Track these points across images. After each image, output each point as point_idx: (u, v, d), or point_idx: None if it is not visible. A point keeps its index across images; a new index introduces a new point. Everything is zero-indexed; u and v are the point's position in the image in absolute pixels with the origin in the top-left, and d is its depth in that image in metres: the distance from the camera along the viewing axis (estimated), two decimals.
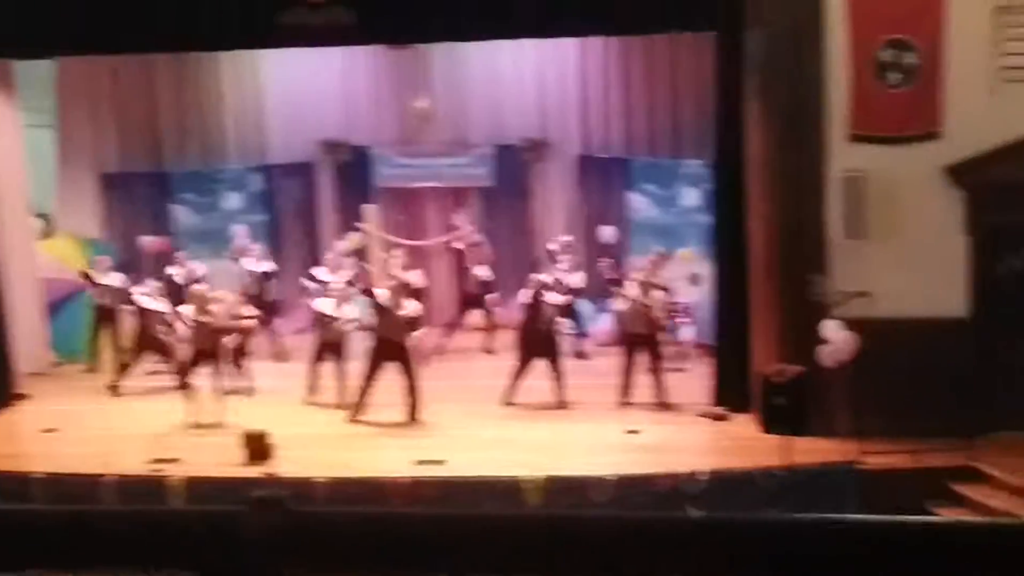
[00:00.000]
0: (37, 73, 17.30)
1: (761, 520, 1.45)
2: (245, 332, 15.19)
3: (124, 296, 16.20)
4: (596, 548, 1.38)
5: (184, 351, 14.12)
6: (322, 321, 14.59)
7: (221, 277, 16.75)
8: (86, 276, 16.35)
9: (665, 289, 15.07)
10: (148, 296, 15.48)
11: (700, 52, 17.17)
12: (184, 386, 13.78)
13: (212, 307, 14.03)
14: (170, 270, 17.19)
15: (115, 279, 16.46)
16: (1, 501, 11.42)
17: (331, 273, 16.24)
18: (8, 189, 15.83)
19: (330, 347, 14.46)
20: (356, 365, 14.11)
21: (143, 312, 15.40)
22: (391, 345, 13.57)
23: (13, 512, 1.44)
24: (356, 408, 13.65)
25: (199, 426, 13.48)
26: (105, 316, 16.54)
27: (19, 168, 16.30)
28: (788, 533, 1.38)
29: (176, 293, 16.07)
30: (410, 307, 13.87)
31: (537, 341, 14.23)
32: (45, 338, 16.90)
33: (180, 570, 1.49)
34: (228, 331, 14.29)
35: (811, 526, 1.45)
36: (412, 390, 13.55)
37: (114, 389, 15.30)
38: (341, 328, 14.40)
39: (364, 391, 13.64)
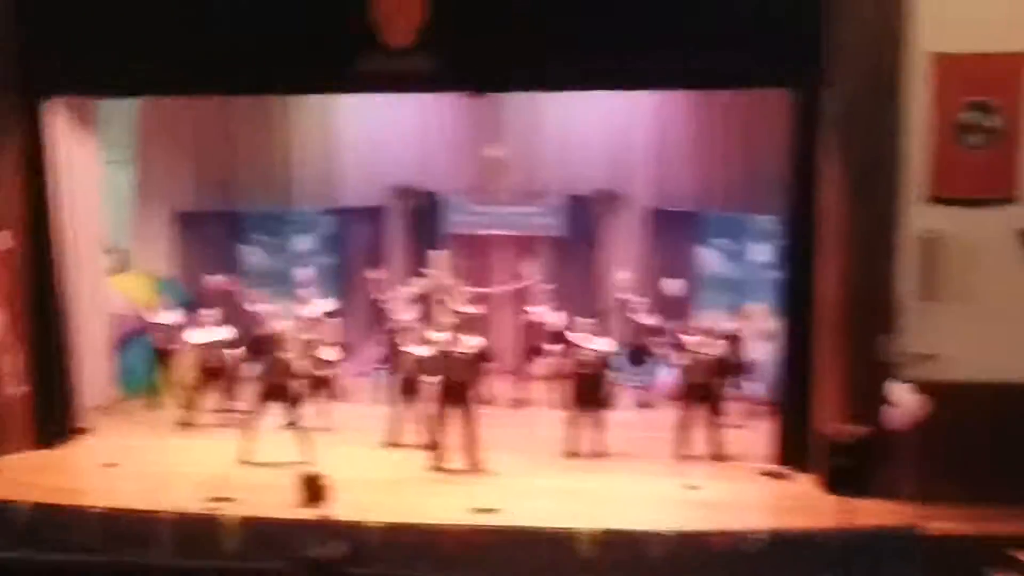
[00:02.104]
0: (118, 110, 17.56)
1: None
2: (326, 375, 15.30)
3: (180, 334, 16.45)
4: None
5: (257, 388, 14.15)
6: (399, 360, 14.60)
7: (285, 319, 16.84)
8: (145, 315, 16.64)
9: (731, 339, 15.03)
10: (205, 331, 15.65)
11: (776, 107, 17.07)
12: (247, 423, 13.82)
13: (290, 346, 14.07)
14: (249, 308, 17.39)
15: (173, 317, 16.70)
16: (59, 534, 11.53)
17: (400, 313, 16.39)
18: (84, 224, 16.05)
19: (407, 386, 14.46)
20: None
21: (202, 347, 15.56)
22: (456, 388, 13.54)
23: (54, 560, 1.39)
24: (436, 454, 13.62)
25: (253, 463, 13.53)
26: (165, 353, 16.78)
27: (96, 203, 16.52)
28: None
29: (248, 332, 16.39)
30: (471, 343, 13.80)
31: (585, 390, 14.14)
32: (111, 373, 17.05)
33: None
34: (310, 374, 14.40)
35: None
36: (473, 436, 13.50)
37: (185, 425, 15.40)
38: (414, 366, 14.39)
39: (438, 435, 13.60)
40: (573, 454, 14.10)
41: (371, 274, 17.72)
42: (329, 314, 17.32)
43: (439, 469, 13.49)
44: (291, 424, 13.85)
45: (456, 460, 13.53)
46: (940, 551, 11.07)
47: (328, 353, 15.59)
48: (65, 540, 11.48)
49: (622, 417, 15.66)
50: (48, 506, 12.04)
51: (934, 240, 12.23)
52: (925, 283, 12.27)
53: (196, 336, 15.81)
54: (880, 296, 12.43)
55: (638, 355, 16.70)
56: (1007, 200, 12.29)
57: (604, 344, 14.46)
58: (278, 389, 13.87)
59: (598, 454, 14.08)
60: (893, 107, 12.37)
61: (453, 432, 13.60)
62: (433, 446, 13.74)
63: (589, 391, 14.18)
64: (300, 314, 17.29)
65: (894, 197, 12.41)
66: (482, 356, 13.83)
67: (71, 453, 14.53)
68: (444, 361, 13.62)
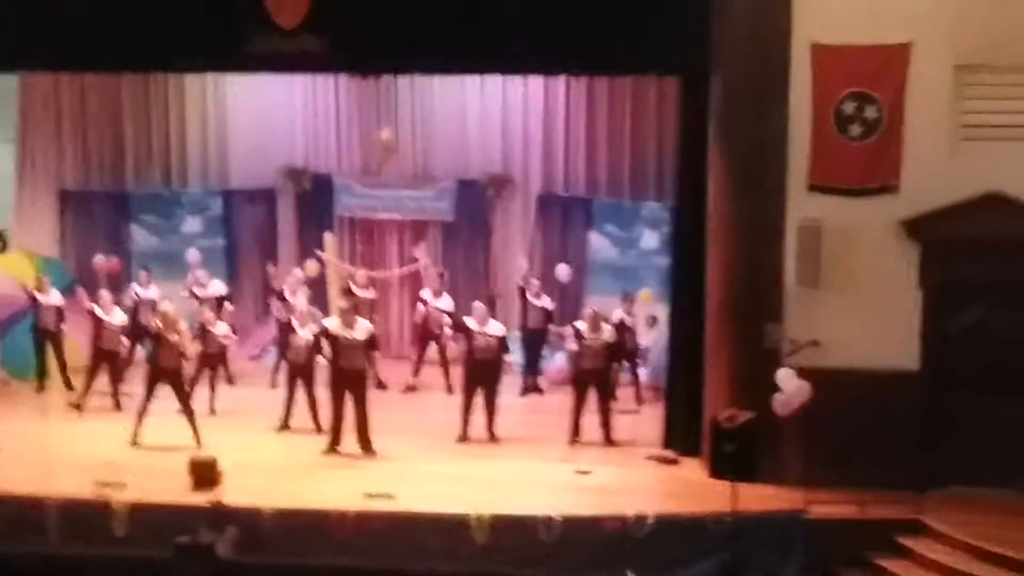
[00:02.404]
0: None
1: None
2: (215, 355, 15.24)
3: (64, 316, 16.29)
4: None
5: (148, 371, 13.97)
6: (290, 344, 14.52)
7: (175, 300, 16.63)
8: (31, 295, 16.38)
9: (628, 327, 15.25)
10: (104, 310, 15.44)
11: (664, 95, 17.40)
12: (139, 407, 13.66)
13: (181, 328, 13.92)
14: (138, 290, 17.22)
15: (57, 298, 16.42)
16: None
17: (291, 297, 16.31)
18: None
19: (299, 370, 14.43)
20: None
21: (98, 326, 15.34)
22: (347, 373, 13.54)
23: None
24: (329, 439, 13.58)
25: (144, 447, 13.42)
26: (47, 335, 16.50)
27: None
28: None
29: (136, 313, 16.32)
30: (363, 327, 13.79)
31: (478, 374, 14.25)
32: None
33: None
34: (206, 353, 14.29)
35: None
36: (363, 418, 13.51)
37: (77, 408, 15.23)
38: (305, 351, 14.38)
39: (336, 421, 13.58)
40: (466, 439, 14.17)
41: (269, 267, 17.55)
42: (221, 298, 17.14)
43: (332, 454, 13.48)
44: (183, 408, 13.73)
45: (349, 445, 13.52)
46: (825, 535, 11.36)
47: (219, 335, 15.42)
48: None
49: (514, 402, 15.82)
50: None
51: (814, 228, 12.44)
52: (805, 270, 12.47)
53: (102, 314, 15.48)
54: (766, 283, 12.65)
55: (531, 340, 16.78)
56: (887, 190, 12.54)
57: (498, 329, 14.53)
58: (169, 372, 13.73)
59: (491, 439, 14.18)
60: (777, 96, 12.54)
61: (346, 417, 13.58)
62: (326, 431, 13.73)
63: (483, 376, 14.24)
64: (192, 294, 17.13)
65: (780, 186, 12.61)
66: (372, 342, 13.79)
67: None
68: (336, 346, 13.58)
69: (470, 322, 14.42)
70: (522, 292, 16.87)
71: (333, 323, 13.87)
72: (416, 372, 16.94)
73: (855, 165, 12.55)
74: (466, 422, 14.21)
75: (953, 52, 12.25)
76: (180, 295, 17.00)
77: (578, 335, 14.37)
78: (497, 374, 14.39)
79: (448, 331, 16.43)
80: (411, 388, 16.79)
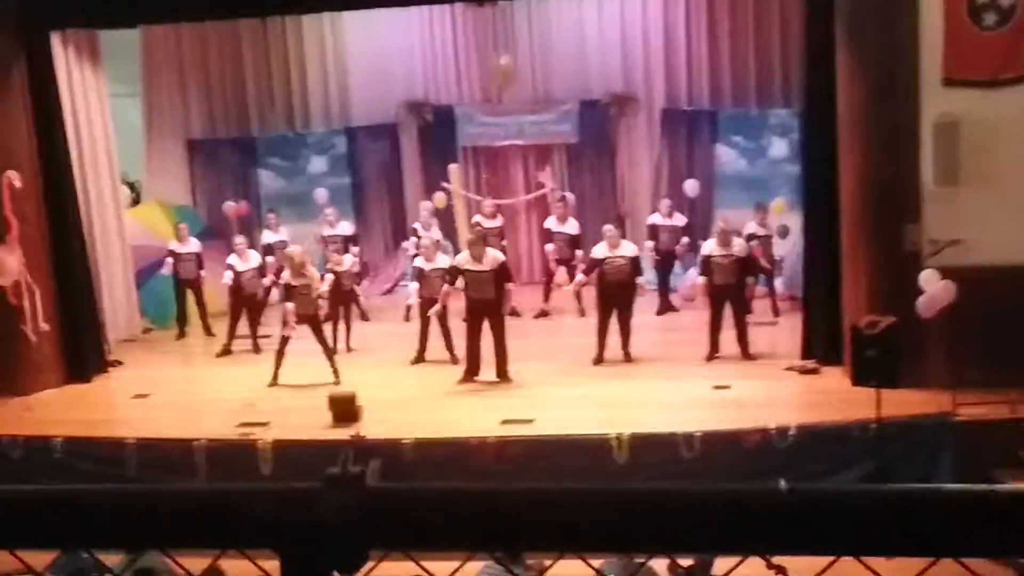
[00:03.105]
0: (122, 42, 17.41)
1: (861, 491, 1.33)
2: (347, 294, 15.30)
3: (203, 263, 16.58)
4: (685, 522, 1.28)
5: (285, 313, 14.10)
6: (422, 278, 14.57)
7: (306, 241, 16.84)
8: (170, 247, 16.65)
9: (762, 238, 14.93)
10: (239, 257, 15.65)
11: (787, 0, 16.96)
12: (280, 348, 13.83)
13: (309, 270, 14.02)
14: (267, 234, 17.49)
15: (196, 246, 16.70)
16: (97, 467, 11.63)
17: (425, 231, 16.38)
18: (96, 158, 16.03)
19: (432, 303, 14.46)
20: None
21: (237, 274, 15.57)
22: (480, 303, 13.54)
23: (83, 489, 1.38)
24: (466, 369, 13.61)
25: (285, 386, 13.60)
26: (188, 283, 16.80)
27: (107, 137, 16.45)
28: (901, 503, 1.27)
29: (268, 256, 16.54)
30: (492, 258, 13.73)
31: (612, 296, 14.13)
32: (135, 305, 17.10)
33: (255, 551, 1.42)
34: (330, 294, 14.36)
35: (914, 496, 1.33)
36: (500, 347, 13.51)
37: (226, 353, 15.56)
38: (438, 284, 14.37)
39: (471, 351, 13.61)
40: (601, 361, 14.10)
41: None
42: (349, 238, 17.31)
43: (469, 382, 13.51)
44: (322, 347, 13.87)
45: (486, 374, 13.55)
46: (975, 437, 11.04)
47: (349, 274, 15.53)
48: (103, 472, 11.57)
49: (650, 321, 15.68)
50: (83, 439, 12.13)
51: (951, 124, 12.04)
52: (944, 169, 12.09)
53: (235, 263, 15.72)
54: (903, 185, 12.30)
55: (665, 259, 16.59)
56: None
57: (630, 250, 14.37)
58: (303, 315, 13.85)
59: (626, 359, 14.07)
60: None
61: (482, 345, 13.59)
62: (462, 361, 13.76)
63: (617, 298, 14.11)
64: (323, 235, 17.29)
65: (913, 84, 12.20)
66: (503, 272, 13.73)
67: (102, 386, 14.61)
68: (467, 278, 13.56)
69: (600, 248, 14.26)
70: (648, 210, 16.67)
71: (463, 257, 13.84)
72: (547, 298, 16.89)
73: (991, 55, 12.07)
74: (602, 345, 14.11)
75: None
76: (313, 235, 17.20)
77: (712, 251, 14.15)
78: (631, 295, 14.23)
79: (577, 255, 16.33)
80: (544, 313, 16.75)
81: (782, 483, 1.31)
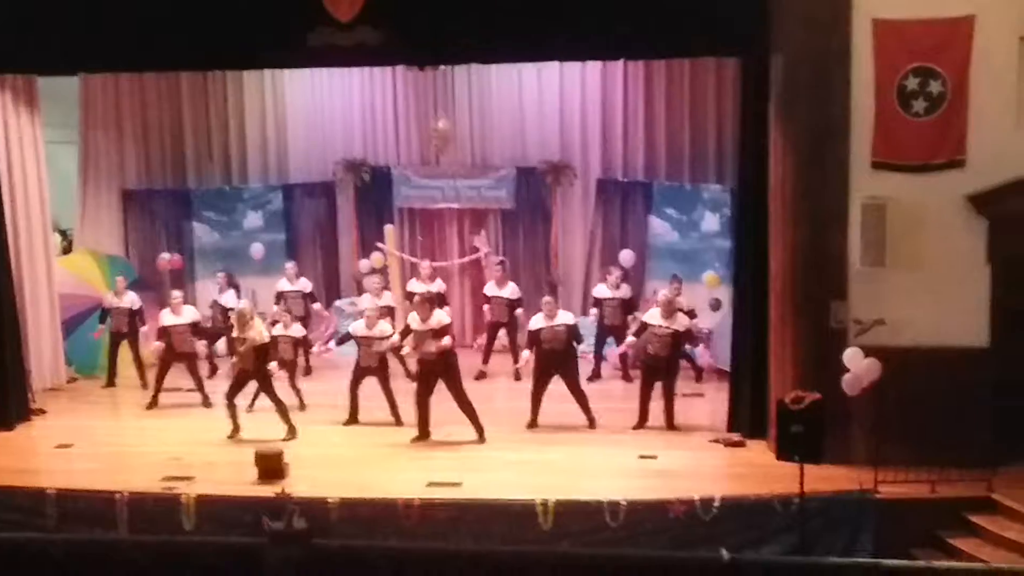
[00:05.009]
0: (60, 89, 17.34)
1: (798, 563, 1.41)
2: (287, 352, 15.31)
3: (140, 315, 16.47)
4: None
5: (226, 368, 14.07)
6: (361, 343, 14.56)
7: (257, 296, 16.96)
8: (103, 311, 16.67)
9: (689, 313, 15.10)
10: (172, 312, 15.62)
11: (723, 76, 17.27)
12: (229, 401, 13.76)
13: (255, 327, 13.91)
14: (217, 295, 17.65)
15: (132, 300, 16.60)
16: (16, 517, 11.46)
17: (362, 294, 16.49)
18: (29, 205, 15.91)
19: (370, 370, 14.48)
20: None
21: (166, 329, 15.52)
22: (431, 363, 13.62)
23: (31, 539, 1.42)
24: (421, 429, 13.67)
25: (237, 441, 13.57)
26: (121, 336, 16.68)
27: (40, 184, 16.30)
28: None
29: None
30: (437, 318, 13.81)
31: (550, 363, 14.21)
32: (62, 354, 16.90)
33: None
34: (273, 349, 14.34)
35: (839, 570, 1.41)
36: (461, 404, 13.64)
37: (151, 407, 15.40)
38: (379, 349, 14.42)
39: (421, 413, 13.68)
40: (535, 425, 14.16)
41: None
42: (307, 295, 17.54)
43: (420, 442, 13.55)
44: (272, 402, 13.83)
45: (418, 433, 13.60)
46: (895, 515, 11.23)
47: (292, 330, 15.47)
48: (22, 521, 11.40)
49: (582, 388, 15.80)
50: (2, 488, 11.95)
51: (879, 206, 12.30)
52: (871, 250, 12.33)
53: (166, 319, 15.66)
54: (831, 263, 12.53)
55: (608, 331, 16.68)
56: (953, 165, 12.36)
57: (567, 318, 14.48)
58: (247, 369, 13.75)
59: (559, 425, 14.14)
60: (839, 74, 12.42)
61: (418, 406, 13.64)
62: (405, 423, 13.81)
63: (555, 365, 14.20)
64: (280, 290, 17.37)
65: (843, 164, 12.47)
66: (446, 331, 13.82)
67: (25, 435, 14.44)
68: (417, 337, 13.61)
69: (537, 319, 14.39)
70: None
71: (413, 317, 13.82)
72: (486, 360, 16.96)
73: (920, 141, 12.39)
74: (535, 410, 14.21)
75: (1018, 24, 12.07)
76: (273, 289, 17.46)
77: (644, 321, 14.27)
78: (571, 362, 14.32)
79: (519, 313, 16.53)
80: (482, 375, 16.79)
81: (724, 552, 1.39)
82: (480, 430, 13.63)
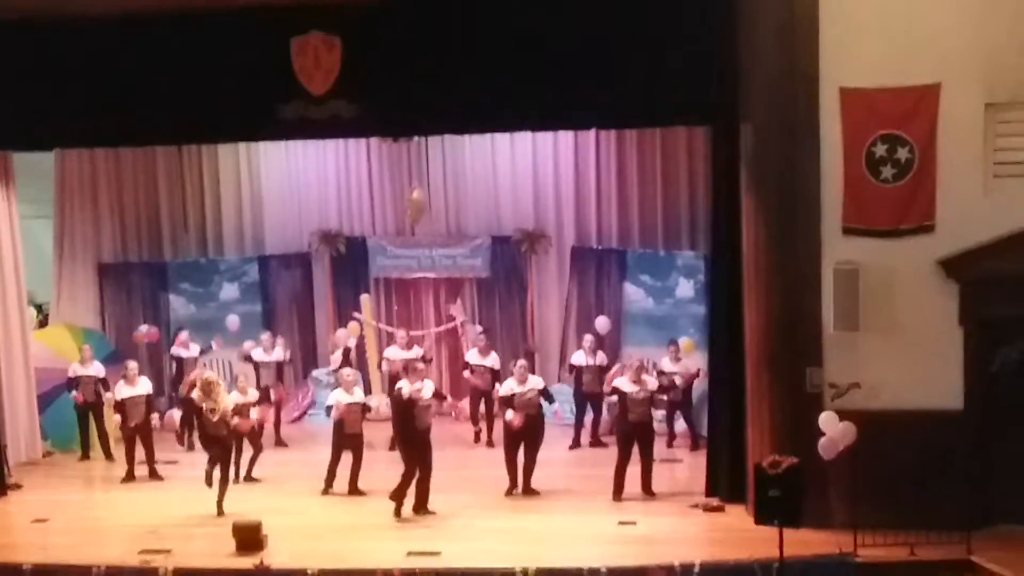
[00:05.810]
0: (35, 164, 17.40)
1: None
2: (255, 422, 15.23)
3: (108, 386, 16.43)
4: None
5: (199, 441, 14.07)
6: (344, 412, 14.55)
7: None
8: (71, 368, 16.63)
9: (670, 383, 15.23)
10: (126, 382, 15.64)
11: (694, 144, 17.46)
12: (207, 475, 13.67)
13: (220, 394, 13.91)
14: (177, 351, 17.68)
15: (98, 369, 16.60)
16: None
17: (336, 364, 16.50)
18: (4, 279, 15.90)
19: (351, 438, 14.45)
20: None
21: (120, 401, 15.58)
22: (422, 433, 13.63)
23: None
24: (398, 502, 13.50)
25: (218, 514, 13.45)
26: (89, 406, 16.66)
27: (16, 258, 16.31)
28: None
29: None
30: (427, 388, 13.84)
31: (521, 428, 14.23)
32: (37, 428, 16.81)
33: None
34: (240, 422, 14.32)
35: None
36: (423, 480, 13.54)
37: (129, 478, 15.36)
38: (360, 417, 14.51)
39: (404, 480, 13.56)
40: (512, 493, 14.15)
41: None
42: (281, 363, 17.53)
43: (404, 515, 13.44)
44: (221, 474, 13.74)
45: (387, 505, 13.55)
46: None
47: (257, 403, 15.43)
48: None
49: (559, 455, 15.85)
50: None
51: (851, 271, 12.42)
52: (845, 314, 12.43)
53: (121, 391, 15.65)
54: (805, 328, 12.62)
55: (586, 399, 16.72)
56: (923, 230, 12.51)
57: (537, 383, 14.52)
58: (212, 438, 13.74)
59: (529, 493, 14.15)
60: (808, 141, 12.56)
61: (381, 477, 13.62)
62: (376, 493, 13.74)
63: (525, 430, 14.22)
64: (256, 360, 17.32)
65: (815, 230, 12.60)
66: (436, 398, 13.88)
67: (1, 510, 14.33)
68: (413, 408, 13.59)
69: (509, 384, 14.44)
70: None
71: (407, 385, 13.79)
72: (476, 422, 17.07)
73: (889, 206, 12.52)
74: (512, 477, 14.21)
75: (983, 90, 12.26)
76: (239, 354, 17.48)
77: (621, 388, 14.30)
78: (539, 428, 14.36)
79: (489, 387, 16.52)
80: (477, 436, 16.95)
81: None
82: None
